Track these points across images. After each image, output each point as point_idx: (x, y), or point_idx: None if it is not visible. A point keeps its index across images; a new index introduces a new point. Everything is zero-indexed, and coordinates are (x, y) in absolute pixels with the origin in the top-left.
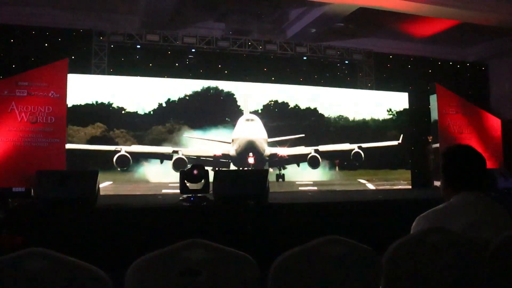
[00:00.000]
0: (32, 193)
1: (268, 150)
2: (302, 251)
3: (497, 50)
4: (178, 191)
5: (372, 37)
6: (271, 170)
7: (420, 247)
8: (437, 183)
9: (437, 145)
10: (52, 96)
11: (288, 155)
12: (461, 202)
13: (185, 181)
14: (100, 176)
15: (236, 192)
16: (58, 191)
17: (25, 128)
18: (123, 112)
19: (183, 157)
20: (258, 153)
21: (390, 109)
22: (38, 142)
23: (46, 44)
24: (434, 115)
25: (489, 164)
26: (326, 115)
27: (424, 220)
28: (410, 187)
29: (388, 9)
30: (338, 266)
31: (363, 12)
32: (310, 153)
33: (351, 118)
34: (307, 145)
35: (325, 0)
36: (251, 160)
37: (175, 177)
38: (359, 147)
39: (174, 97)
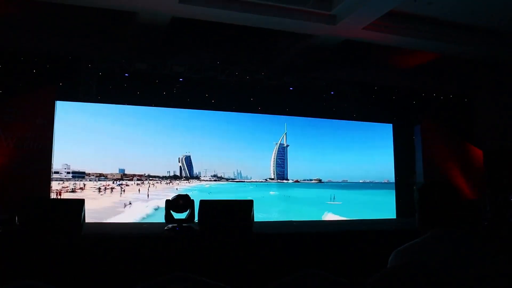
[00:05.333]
0: (16, 220)
1: None
2: (281, 286)
3: (480, 82)
4: (163, 220)
5: (358, 67)
6: None
7: (398, 281)
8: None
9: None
10: (39, 122)
11: None
12: (436, 238)
13: (170, 210)
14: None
15: (222, 222)
16: (43, 219)
17: (11, 154)
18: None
19: None
20: None
21: (375, 139)
22: (24, 168)
23: (34, 70)
24: (418, 146)
25: (474, 195)
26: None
27: (401, 254)
28: (394, 217)
29: (372, 41)
30: None
31: (349, 44)
32: None
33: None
34: None
35: (312, 33)
36: None
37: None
38: None
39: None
